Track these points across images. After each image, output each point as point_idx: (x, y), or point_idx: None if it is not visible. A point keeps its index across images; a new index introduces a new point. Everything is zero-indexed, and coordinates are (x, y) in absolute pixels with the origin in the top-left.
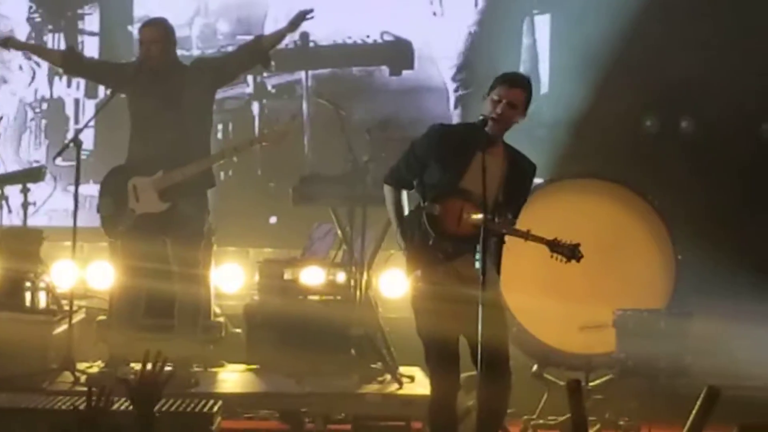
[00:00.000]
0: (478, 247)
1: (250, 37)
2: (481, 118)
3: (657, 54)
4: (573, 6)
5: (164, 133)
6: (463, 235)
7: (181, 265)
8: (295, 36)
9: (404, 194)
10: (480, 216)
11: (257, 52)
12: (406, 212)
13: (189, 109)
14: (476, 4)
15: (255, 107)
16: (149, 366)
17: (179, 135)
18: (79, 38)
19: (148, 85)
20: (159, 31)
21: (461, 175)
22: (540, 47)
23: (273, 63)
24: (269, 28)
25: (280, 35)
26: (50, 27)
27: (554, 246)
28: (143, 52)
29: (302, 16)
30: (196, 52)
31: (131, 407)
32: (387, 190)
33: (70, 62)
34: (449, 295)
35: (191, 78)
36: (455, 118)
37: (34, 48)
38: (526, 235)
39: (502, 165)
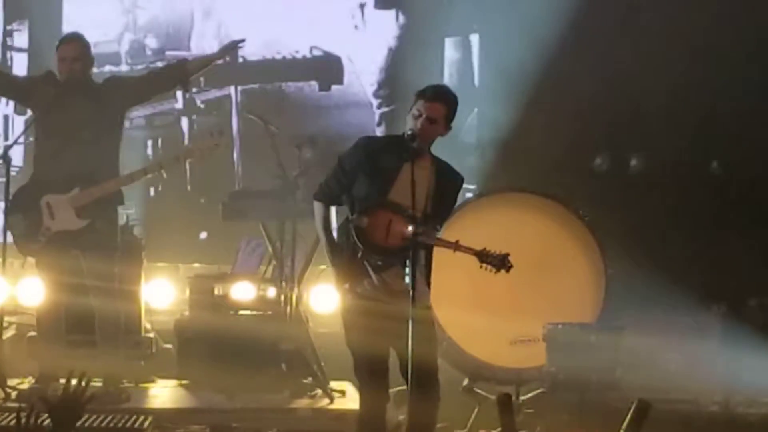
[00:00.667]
0: (408, 261)
1: (178, 53)
2: (409, 132)
3: (586, 71)
4: (501, 26)
5: (75, 150)
6: (391, 248)
7: (99, 280)
8: None
9: (332, 210)
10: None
11: (179, 76)
12: (335, 227)
13: (100, 127)
14: (397, 19)
15: (184, 123)
16: (73, 383)
17: (90, 152)
18: (8, 54)
19: (60, 101)
20: (80, 47)
21: (389, 188)
22: (468, 65)
23: (202, 81)
24: (195, 44)
25: (207, 61)
26: None
27: (483, 256)
28: (64, 68)
29: (233, 46)
30: (125, 68)
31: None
32: (316, 206)
33: None
34: (378, 309)
35: (104, 96)
36: (380, 134)
37: None
38: (455, 246)
39: (430, 176)
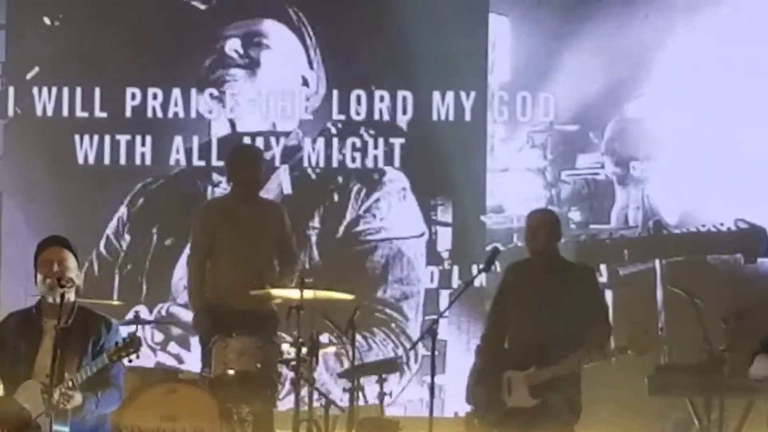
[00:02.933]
0: None
1: (601, 227)
2: None
3: None
4: None
5: (542, 327)
6: None
7: None
8: (649, 224)
9: None
10: None
11: None
12: None
13: (564, 303)
14: None
15: (608, 295)
16: None
17: (551, 329)
18: (432, 228)
19: (533, 275)
20: (545, 219)
21: None
22: None
23: (626, 254)
24: (615, 217)
25: None
26: None
27: None
28: (529, 237)
29: None
30: None
31: None
32: None
33: None
34: None
35: (570, 274)
36: None
37: None
38: None
39: None
